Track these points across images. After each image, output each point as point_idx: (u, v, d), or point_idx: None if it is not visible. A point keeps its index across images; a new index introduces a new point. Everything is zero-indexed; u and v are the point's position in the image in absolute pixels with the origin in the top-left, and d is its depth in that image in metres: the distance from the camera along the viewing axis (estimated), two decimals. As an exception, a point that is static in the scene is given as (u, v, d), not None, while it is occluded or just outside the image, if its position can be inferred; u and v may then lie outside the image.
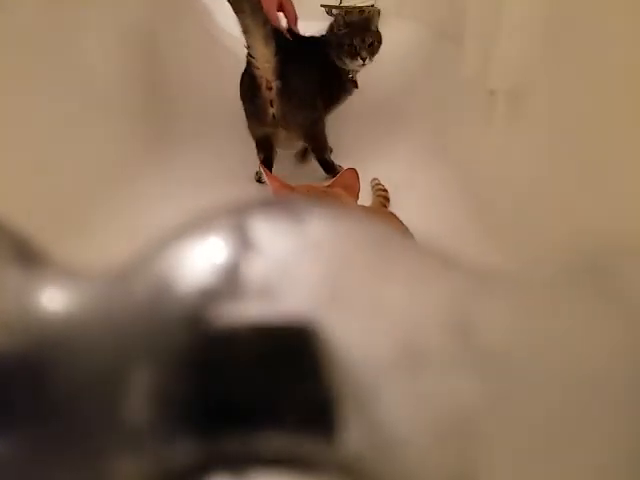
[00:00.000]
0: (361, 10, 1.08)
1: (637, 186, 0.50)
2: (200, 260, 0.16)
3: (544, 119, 0.74)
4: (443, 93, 1.16)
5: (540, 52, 0.74)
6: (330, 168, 1.04)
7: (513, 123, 0.84)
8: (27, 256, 0.18)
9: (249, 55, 0.89)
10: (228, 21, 1.06)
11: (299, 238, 0.17)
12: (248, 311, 0.14)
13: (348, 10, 1.33)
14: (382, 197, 0.94)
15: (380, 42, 1.00)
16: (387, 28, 1.21)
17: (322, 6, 1.30)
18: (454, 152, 1.05)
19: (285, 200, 0.21)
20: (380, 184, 0.97)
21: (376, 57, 1.02)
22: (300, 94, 0.94)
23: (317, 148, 1.04)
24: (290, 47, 0.94)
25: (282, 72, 0.89)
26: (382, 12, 1.33)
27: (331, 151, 1.09)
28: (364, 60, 0.98)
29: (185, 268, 0.16)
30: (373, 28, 1.00)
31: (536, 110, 0.77)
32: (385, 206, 0.92)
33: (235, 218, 0.18)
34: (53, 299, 0.16)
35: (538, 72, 0.75)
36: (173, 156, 1.09)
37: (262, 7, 0.80)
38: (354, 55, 0.98)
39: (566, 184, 0.65)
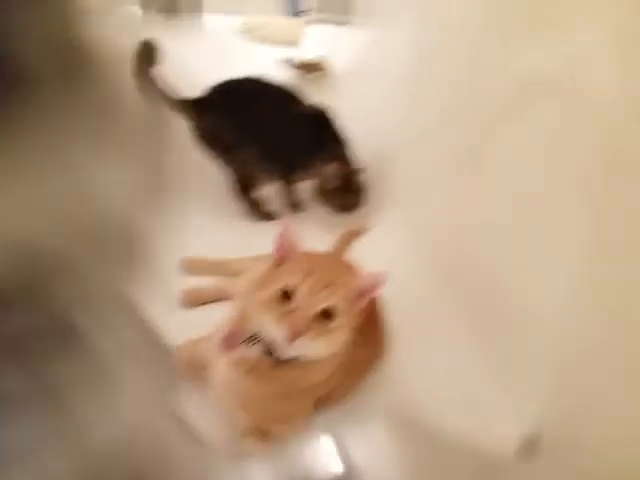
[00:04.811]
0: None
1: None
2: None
3: (508, 170, 0.77)
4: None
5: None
6: (251, 210, 1.05)
7: (476, 175, 0.86)
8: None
9: None
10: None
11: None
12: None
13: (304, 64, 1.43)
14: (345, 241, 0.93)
15: (359, 201, 1.06)
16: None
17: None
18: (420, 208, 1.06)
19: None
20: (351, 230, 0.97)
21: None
22: (207, 135, 0.99)
23: (232, 181, 1.03)
24: (206, 102, 0.98)
25: (194, 117, 0.98)
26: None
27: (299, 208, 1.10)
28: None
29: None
30: (355, 188, 1.04)
31: (500, 163, 0.79)
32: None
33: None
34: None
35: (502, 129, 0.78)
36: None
37: (165, 91, 0.93)
38: (333, 209, 1.06)
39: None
